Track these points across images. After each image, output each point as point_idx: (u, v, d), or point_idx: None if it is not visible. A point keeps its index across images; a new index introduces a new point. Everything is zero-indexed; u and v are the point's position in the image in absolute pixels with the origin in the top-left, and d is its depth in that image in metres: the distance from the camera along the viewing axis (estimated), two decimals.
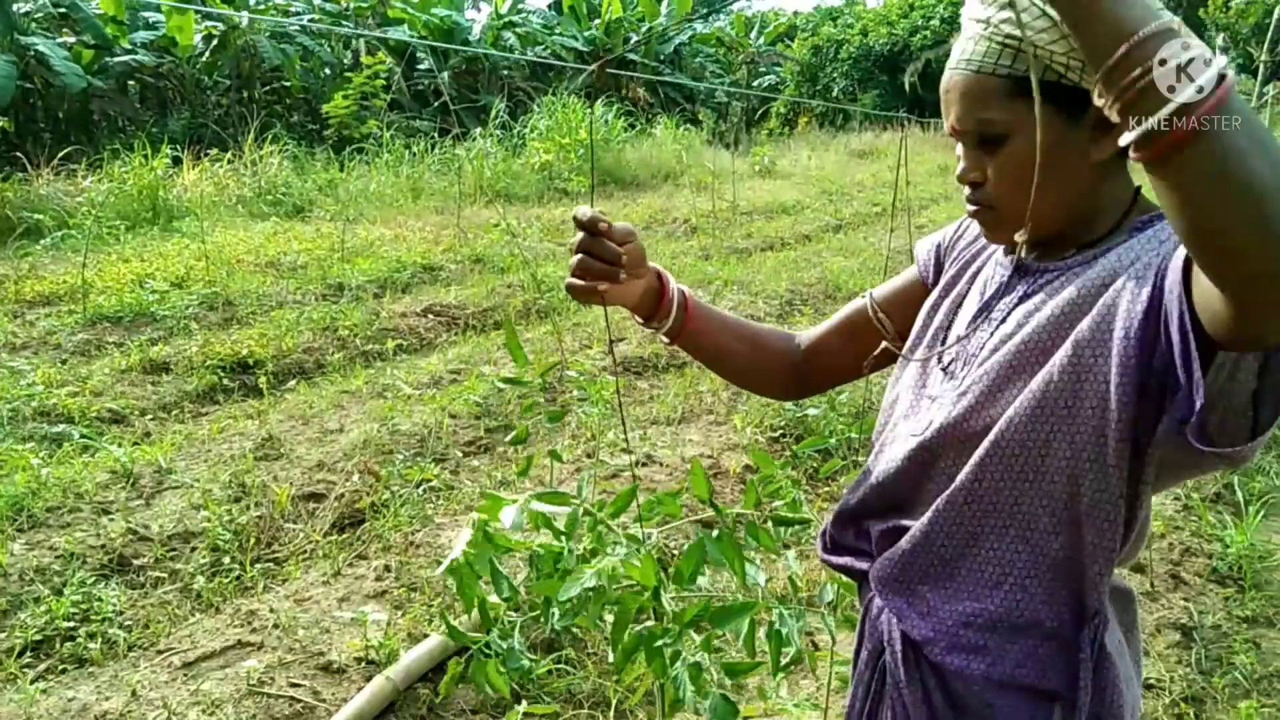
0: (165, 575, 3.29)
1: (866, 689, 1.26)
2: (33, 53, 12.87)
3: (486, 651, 1.23)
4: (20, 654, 2.77)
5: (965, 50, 1.04)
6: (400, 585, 3.15)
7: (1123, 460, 1.00)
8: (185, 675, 2.66)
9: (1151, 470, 1.01)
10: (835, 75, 26.04)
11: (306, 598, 3.09)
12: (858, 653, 1.30)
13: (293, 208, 10.10)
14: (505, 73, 18.75)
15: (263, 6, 15.93)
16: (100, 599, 3.05)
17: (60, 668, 2.76)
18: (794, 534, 1.80)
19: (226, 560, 3.38)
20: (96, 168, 9.91)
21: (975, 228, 1.26)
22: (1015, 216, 1.06)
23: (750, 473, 4.28)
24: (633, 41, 21.34)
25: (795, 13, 34.40)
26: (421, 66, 17.61)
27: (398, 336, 6.18)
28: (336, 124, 13.76)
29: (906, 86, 22.85)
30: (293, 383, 5.37)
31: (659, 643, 1.12)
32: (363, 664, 2.74)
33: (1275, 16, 10.19)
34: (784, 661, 1.29)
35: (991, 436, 1.07)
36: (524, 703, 2.69)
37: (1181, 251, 0.91)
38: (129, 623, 3.00)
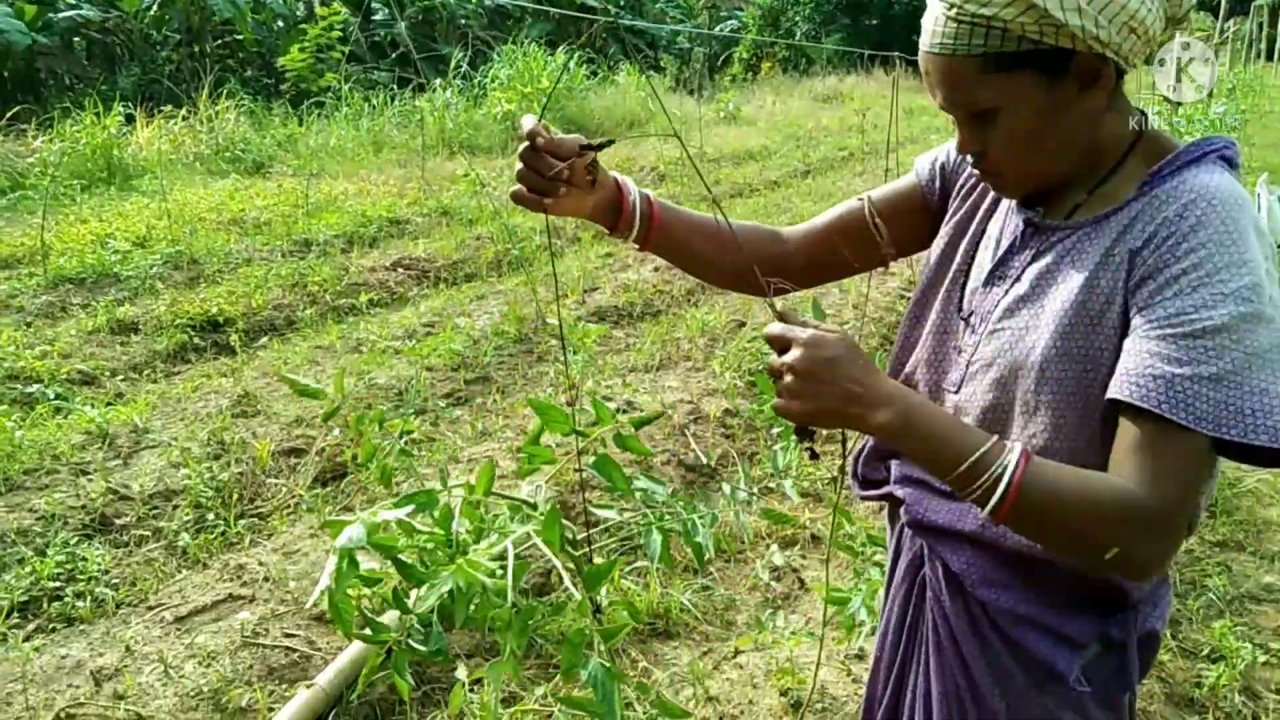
0: (149, 533, 3.27)
1: (906, 600, 1.28)
2: None
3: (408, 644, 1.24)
4: (8, 615, 2.75)
5: (935, 32, 1.03)
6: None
7: None
8: (178, 629, 2.66)
9: None
10: (798, 19, 25.78)
11: (295, 550, 3.09)
12: (893, 566, 1.33)
13: (252, 164, 9.89)
14: (464, 21, 18.39)
15: None
16: (85, 558, 3.03)
17: (50, 627, 2.75)
18: (785, 464, 1.83)
19: (210, 516, 3.36)
20: (47, 127, 9.63)
21: None
22: (1023, 178, 1.10)
23: (730, 417, 4.31)
24: None
25: None
26: (378, 17, 17.21)
27: (369, 291, 6.12)
28: (293, 78, 13.44)
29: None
30: (265, 339, 5.32)
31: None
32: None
33: None
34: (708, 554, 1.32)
35: (1017, 400, 1.09)
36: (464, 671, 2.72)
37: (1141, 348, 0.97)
38: (116, 581, 2.99)
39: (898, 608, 1.30)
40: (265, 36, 15.76)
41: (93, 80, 14.11)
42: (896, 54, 5.91)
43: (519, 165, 1.15)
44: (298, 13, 15.80)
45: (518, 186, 1.16)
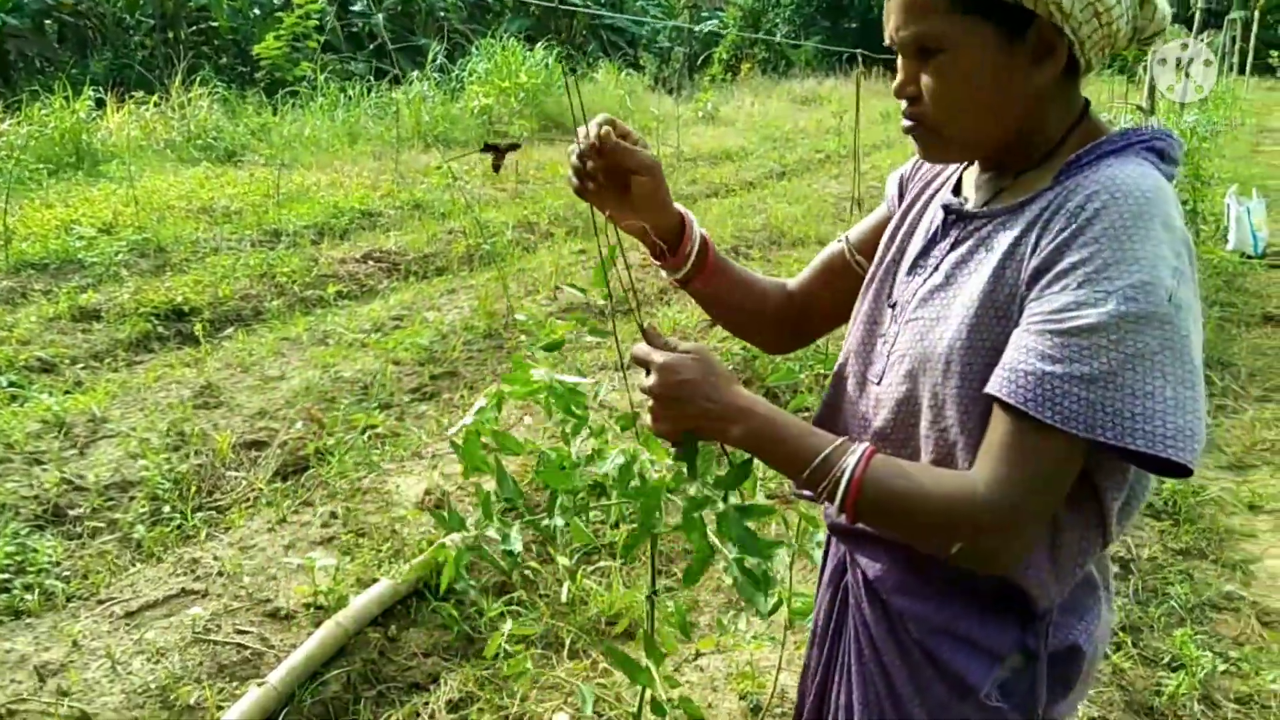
0: (103, 525, 3.20)
1: (830, 604, 1.27)
2: None
3: (489, 539, 1.21)
4: None
5: None
6: (348, 531, 3.11)
7: None
8: (128, 624, 2.60)
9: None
10: (777, 20, 25.86)
11: (251, 545, 3.04)
12: (823, 569, 1.31)
13: (224, 152, 9.77)
14: (442, 14, 18.27)
15: None
16: (35, 550, 2.96)
17: None
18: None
19: (167, 509, 3.30)
20: (14, 110, 9.46)
21: None
22: (948, 135, 1.06)
23: None
24: None
25: None
26: (355, 7, 17.06)
27: (338, 283, 6.05)
28: (268, 66, 13.28)
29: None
30: (230, 330, 5.24)
31: (695, 509, 1.10)
32: (311, 609, 2.71)
33: None
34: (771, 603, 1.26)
35: (925, 392, 1.07)
36: (473, 644, 2.69)
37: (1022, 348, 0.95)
38: (67, 573, 2.92)
39: (823, 613, 1.29)
40: (240, 24, 15.59)
41: (63, 63, 13.89)
42: (859, 51, 5.88)
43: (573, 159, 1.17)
44: (274, 1, 15.61)
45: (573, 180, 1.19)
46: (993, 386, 0.96)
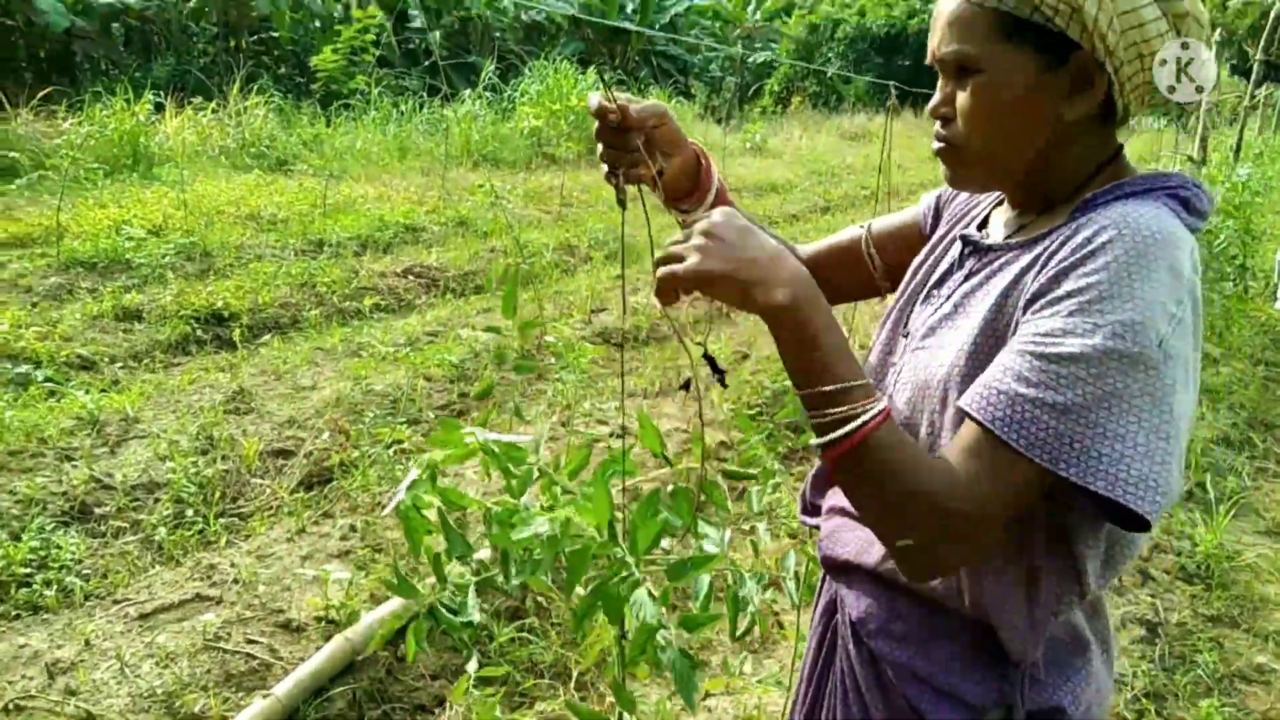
0: (127, 525, 3.24)
1: (819, 643, 1.26)
2: None
3: (443, 608, 1.17)
4: None
5: None
6: (365, 546, 3.12)
7: None
8: (141, 626, 2.62)
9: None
10: (830, 55, 25.88)
11: (269, 554, 3.05)
12: (815, 607, 1.29)
13: (276, 161, 9.94)
14: (497, 35, 18.52)
15: None
16: (59, 546, 3.00)
17: (14, 614, 2.71)
18: (766, 504, 1.77)
19: (190, 513, 3.33)
20: (77, 110, 9.70)
21: None
22: (975, 159, 1.05)
23: (726, 449, 4.26)
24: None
25: None
26: (413, 24, 17.35)
27: (376, 295, 6.11)
28: (324, 78, 13.54)
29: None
30: (267, 337, 5.30)
31: (615, 579, 1.05)
32: (323, 623, 2.71)
33: (1271, 17, 10.17)
34: (742, 627, 1.25)
35: (924, 420, 1.05)
36: (475, 664, 2.66)
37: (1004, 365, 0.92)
38: (87, 571, 2.96)
39: (813, 650, 1.26)
40: (301, 35, 15.90)
41: (127, 66, 14.25)
42: (892, 83, 5.86)
43: (599, 147, 1.11)
44: (335, 14, 15.92)
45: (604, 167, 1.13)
46: (965, 400, 0.93)
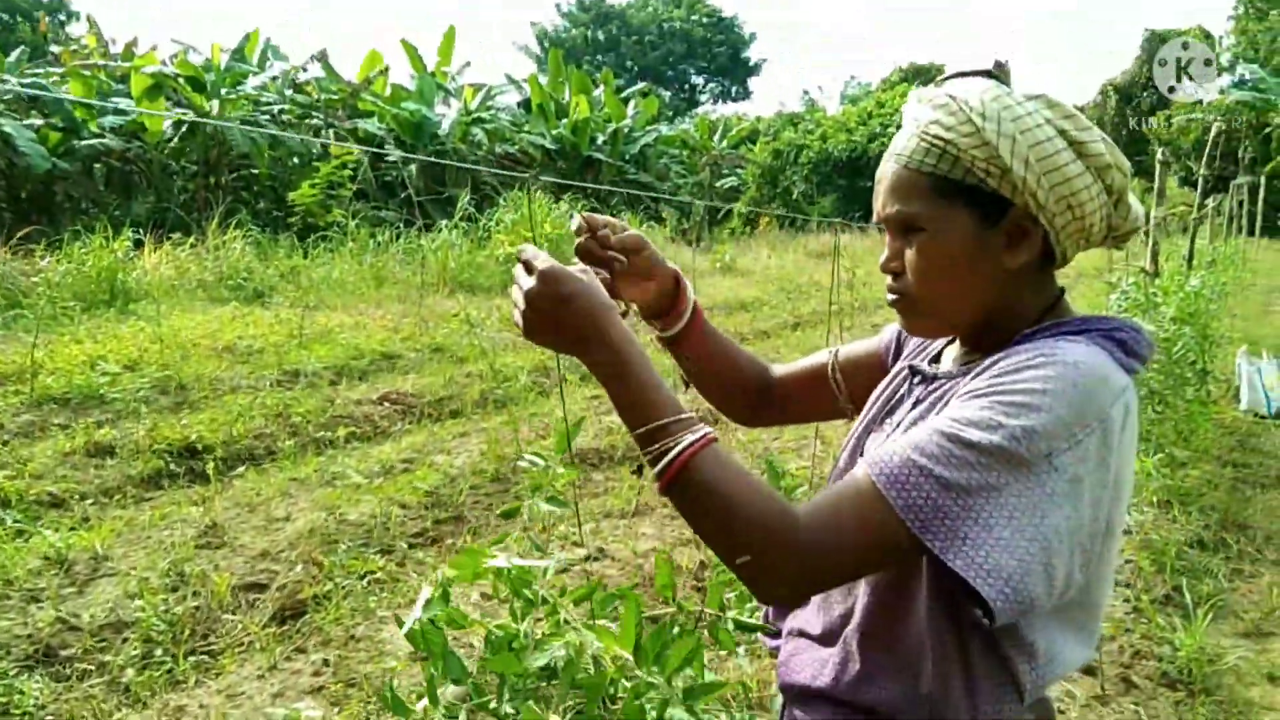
0: (93, 667, 3.16)
1: None
2: None
3: None
4: None
5: (899, 144, 1.10)
6: (338, 681, 3.06)
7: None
8: None
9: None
10: (795, 178, 26.73)
11: (239, 693, 2.99)
12: None
13: (253, 293, 10.07)
14: (473, 166, 19.06)
15: (234, 97, 16.14)
16: (22, 691, 2.92)
17: None
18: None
19: (159, 652, 3.26)
20: (56, 248, 9.85)
21: None
22: (926, 309, 1.12)
23: (705, 570, 4.24)
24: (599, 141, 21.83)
25: (758, 117, 35.43)
26: (390, 158, 17.86)
27: (351, 424, 6.12)
28: (302, 211, 13.84)
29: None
30: (242, 469, 5.28)
31: (636, 699, 1.08)
32: None
33: (1211, 134, 10.70)
34: None
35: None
36: None
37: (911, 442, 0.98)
38: (50, 717, 2.88)
39: None
40: (280, 171, 16.28)
41: (107, 205, 14.50)
42: (853, 216, 6.03)
43: (577, 262, 1.24)
44: (313, 150, 16.36)
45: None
46: (867, 454, 1.01)
